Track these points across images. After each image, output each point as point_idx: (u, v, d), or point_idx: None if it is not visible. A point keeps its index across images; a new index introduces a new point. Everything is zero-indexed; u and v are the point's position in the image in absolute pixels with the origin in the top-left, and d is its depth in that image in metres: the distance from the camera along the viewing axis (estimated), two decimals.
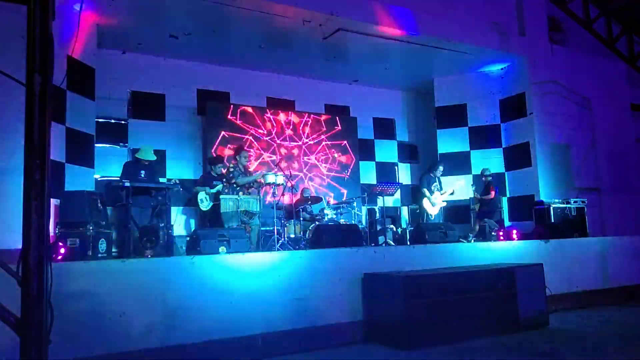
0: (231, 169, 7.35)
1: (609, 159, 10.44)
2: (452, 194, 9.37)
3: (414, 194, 11.20)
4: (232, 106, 9.70)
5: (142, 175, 6.71)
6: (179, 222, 8.81)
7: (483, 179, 9.50)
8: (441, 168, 9.55)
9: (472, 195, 9.48)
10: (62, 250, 4.73)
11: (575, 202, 8.88)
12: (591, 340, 5.17)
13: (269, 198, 8.16)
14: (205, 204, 7.36)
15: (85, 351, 3.94)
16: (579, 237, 8.13)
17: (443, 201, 9.39)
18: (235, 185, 7.22)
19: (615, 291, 7.49)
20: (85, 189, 6.50)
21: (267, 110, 10.10)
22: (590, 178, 10.15)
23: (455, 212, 9.94)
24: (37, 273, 2.34)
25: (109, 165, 8.25)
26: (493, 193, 9.20)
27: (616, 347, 4.85)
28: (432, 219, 9.18)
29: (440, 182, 9.53)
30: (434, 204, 9.26)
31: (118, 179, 6.69)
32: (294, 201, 8.22)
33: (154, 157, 6.92)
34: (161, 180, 8.17)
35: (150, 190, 6.42)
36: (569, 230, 8.09)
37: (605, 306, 7.09)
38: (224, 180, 7.33)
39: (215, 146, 9.29)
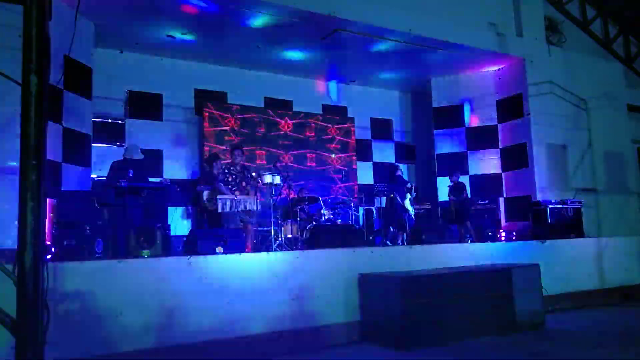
0: (222, 172, 7.29)
1: (605, 159, 10.47)
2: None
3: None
4: (229, 106, 9.69)
5: (130, 175, 6.62)
6: (176, 222, 8.79)
7: (453, 180, 9.40)
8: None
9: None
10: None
11: (571, 202, 8.90)
12: (587, 340, 5.18)
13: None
14: (212, 202, 7.34)
15: (82, 351, 3.94)
16: (576, 237, 8.14)
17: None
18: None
19: (611, 291, 7.52)
20: (82, 189, 6.49)
21: (265, 110, 10.09)
22: (587, 179, 10.17)
23: (448, 214, 9.94)
24: (33, 273, 2.34)
25: (105, 165, 8.20)
26: (465, 193, 9.17)
27: (612, 347, 4.86)
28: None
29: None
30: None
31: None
32: (290, 201, 8.21)
33: (142, 156, 6.84)
34: (156, 179, 8.13)
35: (139, 190, 6.35)
36: (565, 231, 8.11)
37: (601, 306, 7.11)
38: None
39: (212, 146, 9.27)
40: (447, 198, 9.70)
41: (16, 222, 2.36)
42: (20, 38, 2.51)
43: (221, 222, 6.94)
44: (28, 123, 2.37)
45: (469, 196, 9.61)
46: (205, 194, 7.39)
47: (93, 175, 7.84)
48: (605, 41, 11.25)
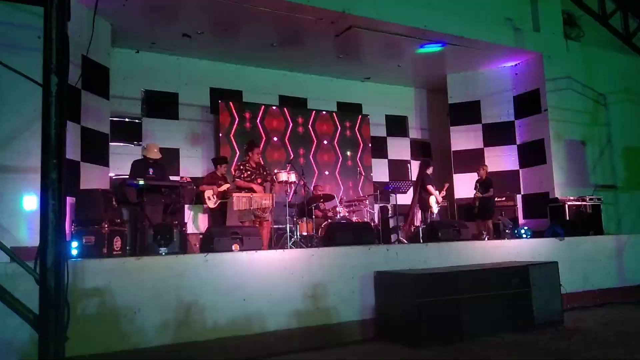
0: (237, 169, 7.35)
1: (625, 155, 10.29)
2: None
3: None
4: (244, 104, 9.73)
5: (150, 173, 6.71)
6: (189, 220, 8.86)
7: (481, 175, 9.26)
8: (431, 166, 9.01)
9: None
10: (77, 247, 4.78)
11: (590, 199, 8.77)
12: (607, 338, 5.11)
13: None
14: (212, 201, 7.44)
15: (101, 347, 4.00)
16: (595, 234, 8.02)
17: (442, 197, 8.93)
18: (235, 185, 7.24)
19: (631, 289, 7.39)
20: (100, 188, 6.57)
21: (280, 108, 10.12)
22: (606, 175, 10.01)
23: (468, 210, 9.87)
24: (54, 271, 2.38)
25: (123, 163, 8.31)
26: (492, 190, 9.07)
27: (632, 345, 4.79)
28: (434, 217, 8.74)
29: None
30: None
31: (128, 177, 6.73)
32: (306, 199, 8.23)
33: (159, 155, 6.92)
34: (173, 178, 8.21)
35: (160, 188, 6.43)
36: (584, 228, 7.99)
37: (621, 304, 7.01)
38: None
39: (227, 144, 9.32)
40: (464, 195, 9.61)
41: (38, 220, 2.40)
42: (40, 39, 2.55)
43: (224, 220, 7.02)
44: (49, 123, 2.41)
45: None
46: (207, 193, 7.48)
47: (111, 174, 7.94)
48: (625, 35, 11.03)
